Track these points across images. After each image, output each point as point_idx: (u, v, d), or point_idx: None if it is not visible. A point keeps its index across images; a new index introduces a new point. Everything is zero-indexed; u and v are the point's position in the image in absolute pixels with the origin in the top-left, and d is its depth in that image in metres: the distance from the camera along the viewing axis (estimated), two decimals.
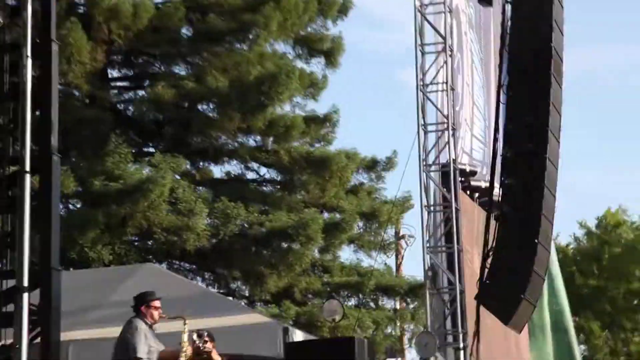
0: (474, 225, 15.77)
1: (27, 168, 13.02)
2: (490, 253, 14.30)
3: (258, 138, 25.97)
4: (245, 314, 15.67)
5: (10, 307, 12.78)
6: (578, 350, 21.63)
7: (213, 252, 23.72)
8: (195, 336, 10.80)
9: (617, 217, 36.49)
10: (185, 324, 10.80)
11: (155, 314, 10.67)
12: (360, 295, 26.03)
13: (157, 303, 10.69)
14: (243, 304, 24.38)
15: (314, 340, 14.90)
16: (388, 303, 27.34)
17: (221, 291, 25.09)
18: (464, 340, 14.97)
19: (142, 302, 10.77)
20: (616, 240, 36.00)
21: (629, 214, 36.82)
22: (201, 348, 10.80)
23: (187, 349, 10.64)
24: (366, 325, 24.33)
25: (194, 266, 25.20)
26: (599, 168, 73.81)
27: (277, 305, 24.12)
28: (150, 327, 10.62)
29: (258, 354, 13.73)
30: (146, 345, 10.34)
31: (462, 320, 15.13)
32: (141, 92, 25.66)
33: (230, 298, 23.94)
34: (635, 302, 34.93)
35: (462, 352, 14.95)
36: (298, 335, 14.26)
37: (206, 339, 10.81)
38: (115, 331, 14.48)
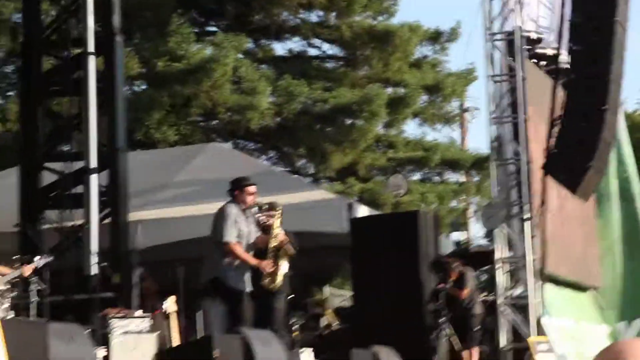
0: (540, 94, 15.46)
1: (91, 49, 13.14)
2: (557, 122, 14.12)
3: (320, 13, 25.62)
4: (310, 190, 15.75)
5: (80, 189, 13.02)
6: None
7: (277, 130, 23.75)
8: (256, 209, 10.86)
9: None
10: (277, 209, 10.80)
11: (249, 198, 10.68)
12: (425, 170, 25.98)
13: (252, 189, 10.71)
14: (308, 181, 24.50)
15: (378, 215, 14.95)
16: (452, 177, 27.29)
17: (286, 169, 25.18)
18: (530, 211, 14.84)
19: (236, 187, 10.79)
20: None
21: None
22: (261, 222, 10.87)
23: (279, 234, 10.70)
24: (430, 200, 24.28)
25: (259, 145, 25.28)
26: None
27: (341, 181, 24.15)
28: (244, 211, 10.62)
29: (324, 229, 13.81)
30: (235, 229, 10.37)
31: (528, 191, 14.96)
32: None
33: (295, 176, 24.04)
34: None
35: (527, 223, 14.81)
36: (363, 211, 14.29)
37: (266, 214, 10.82)
38: (182, 210, 14.68)
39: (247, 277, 10.35)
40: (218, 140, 23.89)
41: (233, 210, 10.50)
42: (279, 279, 10.47)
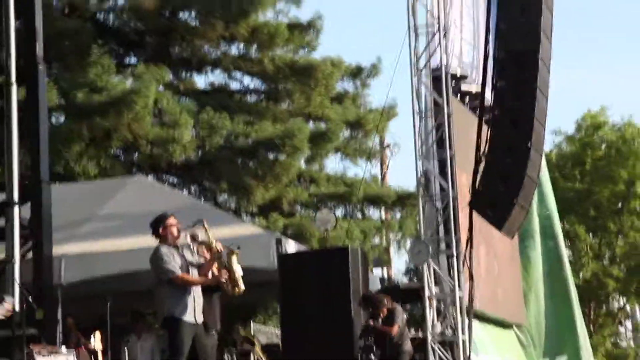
0: (466, 130, 15.70)
1: (13, 78, 12.94)
2: (482, 158, 14.30)
3: (241, 46, 25.71)
4: (237, 225, 15.67)
5: (1, 222, 12.78)
6: (565, 255, 21.82)
7: (199, 164, 23.69)
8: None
9: (597, 119, 36.30)
10: (204, 226, 10.71)
11: (174, 230, 10.56)
12: (348, 206, 26.09)
13: (171, 220, 10.55)
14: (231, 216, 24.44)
15: (308, 252, 14.96)
16: (374, 213, 27.46)
17: (208, 203, 25.08)
18: (457, 247, 15.02)
19: (157, 226, 10.66)
20: (598, 142, 36.01)
21: (608, 114, 36.51)
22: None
23: (217, 245, 10.62)
24: (355, 236, 24.39)
25: (181, 179, 25.11)
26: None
27: (264, 217, 24.14)
28: (176, 246, 10.52)
29: (252, 265, 13.75)
30: (175, 263, 10.26)
31: (455, 227, 15.16)
32: (121, 1, 25.25)
33: (220, 210, 23.95)
34: (620, 204, 35.08)
35: (455, 259, 15.00)
36: (291, 246, 14.28)
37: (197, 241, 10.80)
38: (107, 244, 14.55)
39: (191, 309, 10.25)
40: (139, 174, 23.75)
41: (164, 250, 10.41)
42: (240, 281, 10.39)
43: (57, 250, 13.30)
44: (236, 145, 23.53)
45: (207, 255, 10.45)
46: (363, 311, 13.56)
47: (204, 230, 10.49)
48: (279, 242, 14.08)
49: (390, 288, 15.91)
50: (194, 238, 10.63)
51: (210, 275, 10.46)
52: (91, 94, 22.03)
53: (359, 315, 13.42)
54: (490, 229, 14.83)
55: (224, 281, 10.35)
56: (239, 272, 10.44)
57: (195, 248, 10.60)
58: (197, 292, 10.24)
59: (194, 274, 10.31)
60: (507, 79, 14.03)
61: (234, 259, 10.43)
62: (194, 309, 10.12)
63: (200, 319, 10.21)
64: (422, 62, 15.94)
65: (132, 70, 23.86)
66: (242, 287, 10.42)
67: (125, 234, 14.52)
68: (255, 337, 16.08)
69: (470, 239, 14.96)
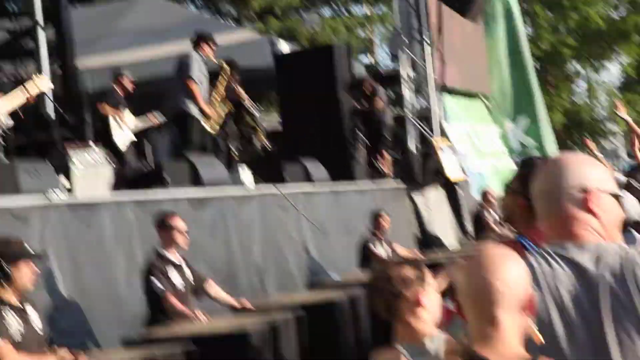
0: None
1: None
2: None
3: None
4: (237, 31, 15.46)
5: (31, 44, 12.58)
6: (524, 32, 21.47)
7: None
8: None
9: None
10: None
11: (208, 50, 10.47)
12: (334, 5, 25.69)
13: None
14: (232, 23, 24.09)
15: (299, 52, 14.71)
16: (359, 10, 27.07)
17: (211, 13, 24.70)
18: (429, 35, 14.77)
19: (199, 39, 10.54)
20: None
21: None
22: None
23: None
24: (341, 32, 24.09)
25: None
26: None
27: (262, 21, 23.78)
28: (205, 63, 10.45)
29: (252, 64, 13.60)
30: (199, 71, 10.23)
31: (426, 17, 14.86)
32: None
33: (222, 21, 23.56)
34: None
35: (427, 45, 14.80)
36: (284, 47, 14.08)
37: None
38: (126, 55, 14.36)
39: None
40: None
41: (197, 57, 10.34)
42: (216, 125, 10.44)
43: (82, 63, 13.16)
44: None
45: None
46: (351, 96, 13.48)
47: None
48: (272, 44, 13.90)
49: (373, 73, 15.73)
50: None
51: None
52: None
53: (347, 101, 13.34)
54: (457, 16, 14.66)
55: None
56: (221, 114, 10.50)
57: None
58: None
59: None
60: None
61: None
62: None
63: None
64: None
65: None
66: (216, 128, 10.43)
67: (139, 47, 14.34)
68: (259, 124, 15.99)
69: (439, 27, 14.78)
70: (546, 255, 2.42)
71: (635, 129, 10.67)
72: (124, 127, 11.02)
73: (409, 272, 3.28)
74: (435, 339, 3.18)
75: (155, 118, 11.51)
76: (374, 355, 3.34)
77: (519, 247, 3.12)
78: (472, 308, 2.18)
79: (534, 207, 2.55)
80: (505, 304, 2.14)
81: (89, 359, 4.50)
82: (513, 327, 2.16)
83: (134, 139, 10.86)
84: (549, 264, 2.40)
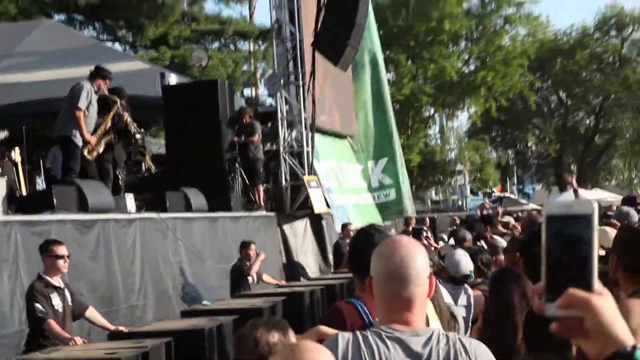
0: None
1: None
2: (322, 7, 14.01)
3: None
4: (130, 61, 15.18)
5: None
6: (386, 79, 21.85)
7: (101, 5, 22.63)
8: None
9: None
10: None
11: (102, 84, 10.20)
12: (222, 40, 25.59)
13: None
14: (128, 49, 23.70)
15: (186, 84, 14.54)
16: (244, 46, 27.05)
17: (110, 38, 24.22)
18: (303, 79, 14.88)
19: (96, 73, 10.23)
20: None
21: None
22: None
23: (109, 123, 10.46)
24: (228, 64, 24.00)
25: (86, 17, 24.05)
26: None
27: (155, 49, 23.44)
28: (96, 93, 10.14)
29: (142, 93, 13.40)
30: (87, 101, 9.90)
31: (301, 63, 14.97)
32: None
33: (117, 46, 23.17)
34: (431, 37, 35.10)
35: (301, 88, 14.90)
36: (173, 79, 13.92)
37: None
38: (25, 77, 13.92)
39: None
40: (52, 12, 22.67)
41: (88, 86, 10.04)
42: (94, 154, 10.18)
43: None
44: None
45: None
46: (230, 130, 13.42)
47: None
48: (162, 76, 13.72)
49: (253, 109, 15.63)
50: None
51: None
52: None
53: (227, 133, 13.29)
54: (329, 64, 14.75)
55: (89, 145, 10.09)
56: (102, 149, 10.27)
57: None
58: None
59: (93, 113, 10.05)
60: None
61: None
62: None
63: None
64: None
65: None
66: (94, 157, 10.22)
67: (38, 68, 13.93)
68: (147, 148, 15.75)
69: (312, 72, 14.85)
70: (380, 334, 2.41)
71: None
72: None
73: (275, 336, 3.25)
74: None
75: None
76: None
77: (352, 308, 3.18)
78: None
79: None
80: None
81: None
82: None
83: None
84: (384, 343, 2.40)
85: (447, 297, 5.08)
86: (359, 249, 3.22)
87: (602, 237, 5.73)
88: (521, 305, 4.08)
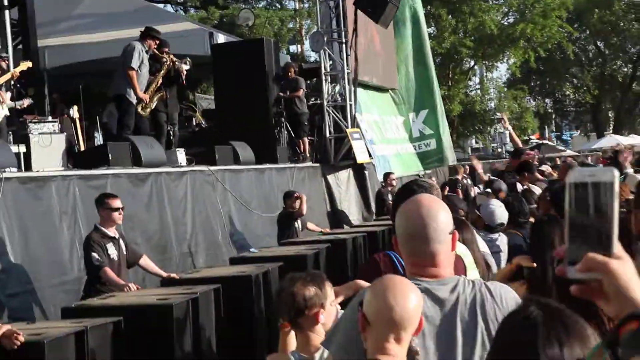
0: None
1: None
2: None
3: None
4: (180, 22, 15.17)
5: None
6: (427, 35, 21.49)
7: None
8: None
9: None
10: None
11: (152, 43, 10.23)
12: None
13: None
14: (179, 10, 23.69)
15: (232, 43, 14.49)
16: (290, 4, 26.85)
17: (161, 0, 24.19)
18: (346, 36, 14.74)
19: (146, 33, 10.25)
20: None
21: None
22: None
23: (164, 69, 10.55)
24: (274, 22, 23.85)
25: None
26: None
27: (205, 10, 23.40)
28: (147, 52, 10.19)
29: (192, 52, 13.39)
30: (139, 60, 9.97)
31: (344, 21, 14.80)
32: None
33: (168, 7, 23.14)
34: None
35: (344, 45, 14.76)
36: (221, 38, 13.90)
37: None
38: (81, 38, 14.00)
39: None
40: None
41: (139, 46, 10.09)
42: (148, 110, 10.23)
43: (41, 42, 12.81)
44: None
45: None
46: (276, 85, 13.39)
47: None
48: (210, 35, 13.70)
49: (297, 65, 15.55)
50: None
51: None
52: None
53: (273, 89, 13.27)
54: (371, 21, 14.58)
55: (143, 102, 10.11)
56: (156, 101, 10.26)
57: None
58: None
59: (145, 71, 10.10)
60: None
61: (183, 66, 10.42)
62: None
63: None
64: None
65: None
66: (148, 112, 10.27)
67: (93, 30, 13.99)
68: (198, 104, 15.83)
69: (355, 30, 14.70)
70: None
71: (514, 138, 10.84)
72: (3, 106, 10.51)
73: (311, 290, 3.26)
74: (325, 353, 3.18)
75: (26, 103, 11.00)
76: (267, 358, 3.34)
77: (388, 260, 3.19)
78: (380, 327, 2.20)
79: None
80: (409, 328, 2.19)
81: (21, 334, 4.39)
82: (407, 345, 2.22)
83: (8, 114, 10.39)
84: None
85: (482, 246, 5.05)
86: (398, 205, 3.23)
87: (631, 182, 5.64)
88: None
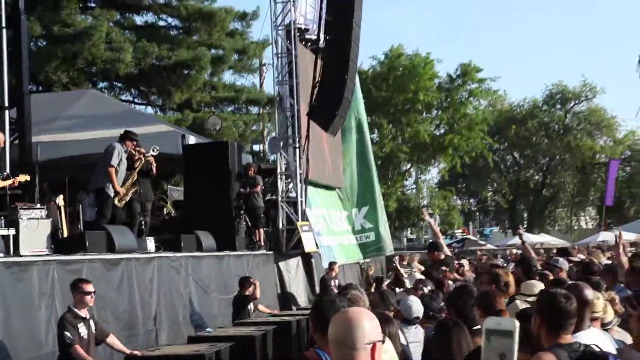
0: (307, 65, 15.48)
1: (3, 24, 12.06)
2: (316, 84, 14.15)
3: None
4: (157, 124, 15.29)
5: None
6: (369, 141, 21.89)
7: (137, 76, 22.82)
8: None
9: (398, 50, 36.20)
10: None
11: (130, 144, 10.31)
12: (236, 105, 25.74)
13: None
14: (158, 111, 23.89)
15: (201, 144, 14.63)
16: (255, 110, 27.19)
17: (143, 102, 24.41)
18: (299, 141, 15.01)
19: (125, 136, 10.35)
20: (398, 66, 35.97)
21: (405, 48, 36.54)
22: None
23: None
24: (240, 125, 24.16)
25: (125, 85, 24.25)
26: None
27: (180, 112, 23.64)
28: (125, 151, 10.26)
29: (166, 151, 13.45)
30: (118, 159, 10.03)
31: (298, 128, 15.11)
32: None
33: (149, 109, 23.35)
34: (408, 106, 35.31)
35: (297, 149, 15.02)
36: (192, 139, 14.02)
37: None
38: (70, 136, 13.99)
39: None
40: (97, 80, 22.90)
41: (119, 147, 10.16)
42: (123, 202, 10.25)
43: (35, 139, 12.78)
44: (162, 64, 22.75)
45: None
46: (238, 183, 13.48)
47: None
48: (182, 137, 13.82)
49: (257, 165, 15.71)
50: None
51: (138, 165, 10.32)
52: (63, 28, 20.89)
53: (235, 186, 13.34)
54: (321, 130, 14.86)
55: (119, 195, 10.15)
56: (130, 194, 10.31)
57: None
58: None
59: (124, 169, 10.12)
60: (332, 32, 13.81)
61: (151, 152, 10.46)
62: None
63: None
64: (279, 20, 15.52)
65: (92, 12, 22.67)
66: (123, 204, 10.27)
67: (82, 129, 14.03)
68: (169, 195, 15.82)
69: (307, 137, 14.98)
70: None
71: (434, 230, 11.01)
72: None
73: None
74: None
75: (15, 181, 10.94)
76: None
77: (317, 358, 3.21)
78: None
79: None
80: None
81: None
82: None
83: None
84: None
85: (402, 339, 5.11)
86: (321, 312, 3.31)
87: (528, 289, 5.77)
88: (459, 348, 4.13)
